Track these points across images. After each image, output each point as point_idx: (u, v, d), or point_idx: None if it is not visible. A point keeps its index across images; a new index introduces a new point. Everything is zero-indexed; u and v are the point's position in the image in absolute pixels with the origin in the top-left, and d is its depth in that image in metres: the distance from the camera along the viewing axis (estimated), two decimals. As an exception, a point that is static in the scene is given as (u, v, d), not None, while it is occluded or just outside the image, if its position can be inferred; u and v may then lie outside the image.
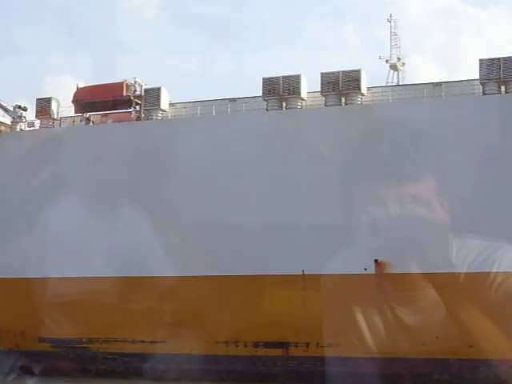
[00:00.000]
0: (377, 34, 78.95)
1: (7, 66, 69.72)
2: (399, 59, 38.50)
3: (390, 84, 37.90)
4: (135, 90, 36.07)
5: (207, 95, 34.92)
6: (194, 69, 70.24)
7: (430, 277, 31.03)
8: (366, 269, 31.84)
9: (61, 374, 32.98)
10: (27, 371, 32.17)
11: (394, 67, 38.50)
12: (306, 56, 73.14)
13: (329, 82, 33.08)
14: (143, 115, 36.04)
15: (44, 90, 75.22)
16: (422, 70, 66.79)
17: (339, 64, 36.18)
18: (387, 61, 38.48)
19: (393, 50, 38.64)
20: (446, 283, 30.50)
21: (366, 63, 67.51)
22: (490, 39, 73.61)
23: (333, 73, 33.29)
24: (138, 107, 36.18)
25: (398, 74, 38.77)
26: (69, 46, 77.14)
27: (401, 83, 38.06)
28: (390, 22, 38.90)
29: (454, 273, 30.00)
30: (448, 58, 74.48)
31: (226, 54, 77.15)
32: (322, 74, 33.41)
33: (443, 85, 32.97)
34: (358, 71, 33.12)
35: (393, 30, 38.72)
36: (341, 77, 32.97)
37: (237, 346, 32.60)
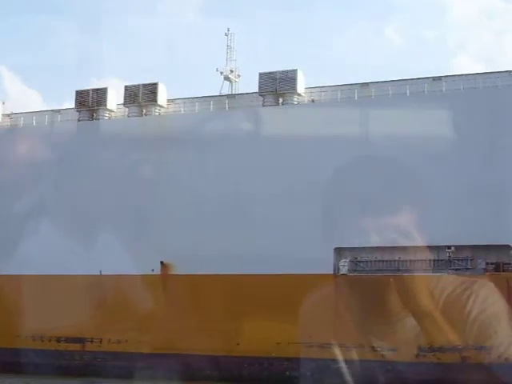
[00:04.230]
0: (422, 34, 77.97)
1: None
2: (232, 71, 40.19)
3: (222, 94, 39.70)
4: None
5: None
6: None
7: (211, 278, 33.03)
8: (153, 270, 34.01)
9: None
10: None
11: (227, 79, 40.24)
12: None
13: (130, 95, 35.22)
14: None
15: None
16: (467, 71, 65.87)
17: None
18: (221, 73, 40.21)
19: (228, 63, 40.38)
20: (228, 284, 32.51)
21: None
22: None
23: (134, 86, 35.45)
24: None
25: (232, 86, 40.45)
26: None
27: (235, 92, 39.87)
28: (226, 35, 40.57)
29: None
30: (493, 58, 73.98)
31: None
32: (125, 86, 35.62)
33: (236, 97, 34.87)
34: (156, 84, 35.15)
35: (228, 44, 40.37)
36: (141, 89, 35.08)
37: (42, 341, 35.09)
